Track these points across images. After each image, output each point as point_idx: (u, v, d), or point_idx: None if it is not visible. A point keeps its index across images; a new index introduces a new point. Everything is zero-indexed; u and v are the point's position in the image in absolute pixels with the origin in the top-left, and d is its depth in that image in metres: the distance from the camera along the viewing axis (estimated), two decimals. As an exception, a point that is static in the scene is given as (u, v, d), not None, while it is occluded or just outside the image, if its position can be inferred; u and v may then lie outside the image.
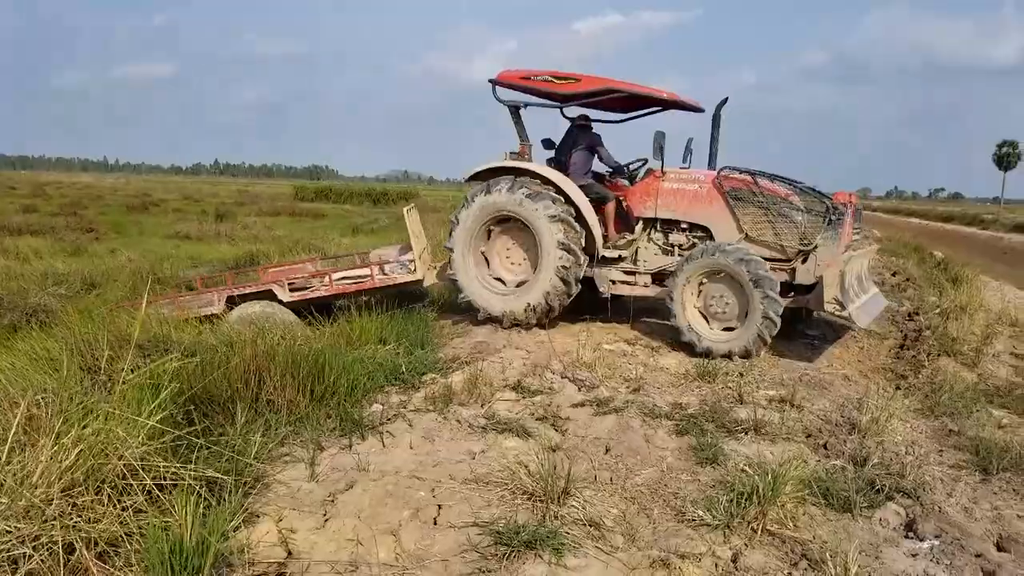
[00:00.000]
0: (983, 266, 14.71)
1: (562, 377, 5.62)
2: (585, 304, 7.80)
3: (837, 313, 6.64)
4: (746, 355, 6.56)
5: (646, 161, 7.93)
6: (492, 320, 7.49)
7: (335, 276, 7.77)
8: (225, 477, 3.33)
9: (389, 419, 4.78)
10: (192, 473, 3.20)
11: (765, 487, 3.54)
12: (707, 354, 6.61)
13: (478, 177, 7.71)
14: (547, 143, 8.21)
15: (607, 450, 4.42)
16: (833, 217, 6.95)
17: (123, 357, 5.53)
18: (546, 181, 7.36)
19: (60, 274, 10.26)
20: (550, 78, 7.42)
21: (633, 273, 7.63)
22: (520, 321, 7.38)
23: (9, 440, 2.82)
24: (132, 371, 3.83)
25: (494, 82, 7.66)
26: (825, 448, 4.58)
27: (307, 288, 7.77)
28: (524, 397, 5.22)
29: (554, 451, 4.36)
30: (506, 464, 4.00)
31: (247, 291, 7.52)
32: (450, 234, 7.69)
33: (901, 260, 15.07)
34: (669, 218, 7.51)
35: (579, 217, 7.30)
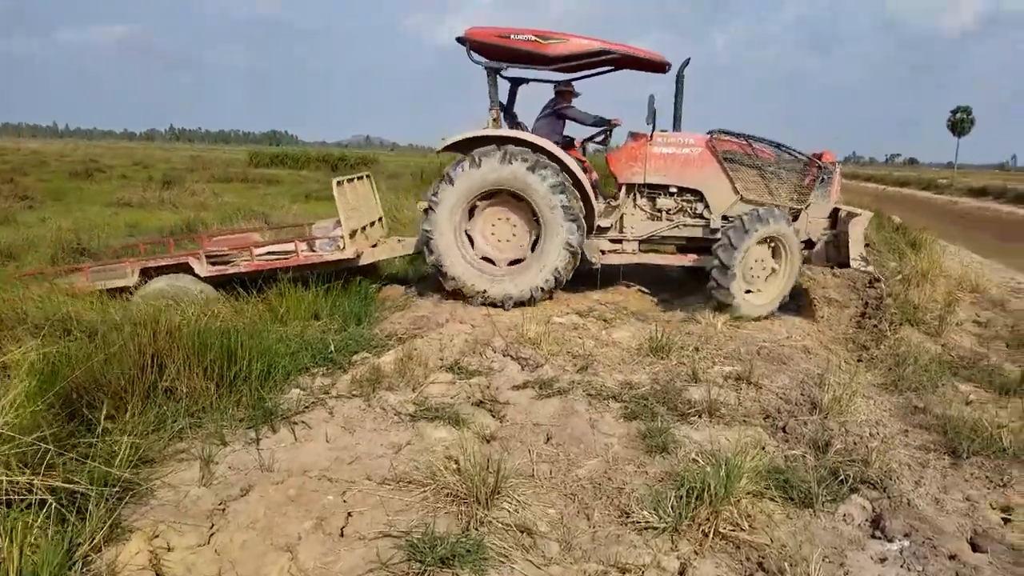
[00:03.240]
0: (940, 230, 14.56)
1: (504, 355, 5.18)
2: None
3: (861, 269, 6.99)
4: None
5: (615, 124, 7.48)
6: (489, 305, 6.86)
7: (258, 251, 7.13)
8: (88, 488, 2.82)
9: (307, 407, 4.31)
10: (45, 484, 2.71)
11: (718, 483, 3.16)
12: (753, 318, 6.82)
13: (455, 147, 7.10)
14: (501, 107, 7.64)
15: (548, 438, 4.01)
16: (825, 176, 7.26)
17: (20, 338, 4.98)
18: (536, 149, 6.82)
19: (-24, 245, 9.53)
20: (533, 37, 6.79)
21: (620, 241, 7.37)
22: (525, 302, 6.89)
23: None
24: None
25: (464, 40, 6.88)
26: (784, 431, 4.22)
27: (227, 263, 7.17)
28: (461, 378, 4.78)
29: (488, 441, 3.95)
30: (433, 459, 3.58)
31: (163, 263, 6.90)
32: (426, 216, 6.88)
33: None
34: (658, 183, 7.28)
35: (577, 185, 6.91)
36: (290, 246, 7.16)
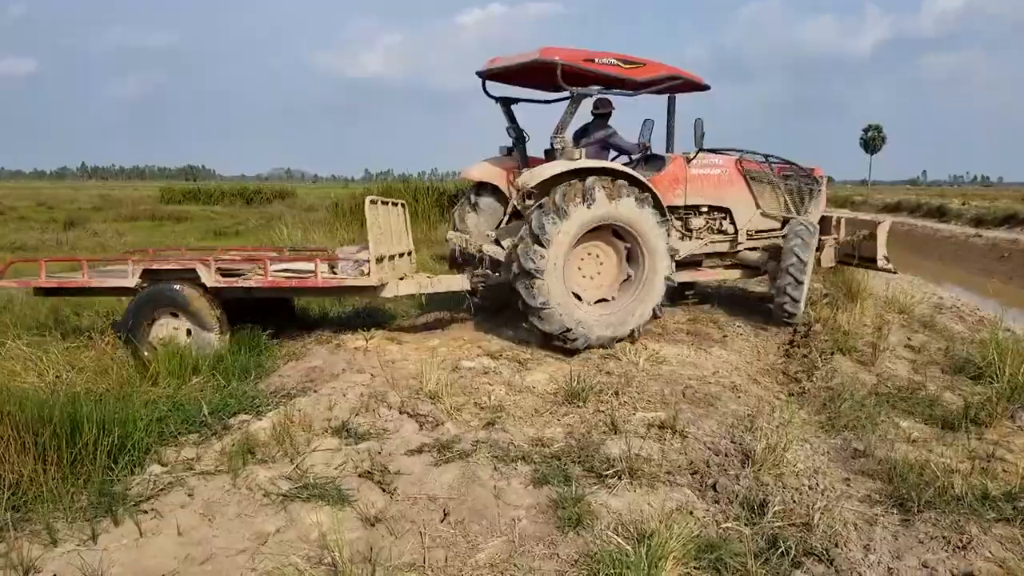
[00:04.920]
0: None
1: (400, 412, 4.56)
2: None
3: (884, 268, 7.93)
4: None
5: (647, 148, 7.71)
6: (588, 347, 6.27)
7: (273, 267, 6.26)
8: None
9: (162, 489, 3.63)
10: None
11: (638, 574, 2.63)
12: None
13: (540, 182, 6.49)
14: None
15: (445, 515, 3.43)
16: (817, 189, 8.08)
17: None
18: (634, 182, 6.46)
19: None
20: (616, 62, 6.52)
21: None
22: (621, 340, 6.46)
23: None
24: None
25: (554, 63, 6.21)
26: (715, 490, 3.73)
27: (238, 275, 6.29)
28: (349, 444, 4.13)
29: (373, 524, 3.33)
30: (302, 555, 2.96)
31: (167, 267, 6.10)
32: (531, 253, 6.06)
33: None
34: (695, 204, 7.52)
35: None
36: (309, 265, 6.35)
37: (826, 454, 4.32)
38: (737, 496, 3.63)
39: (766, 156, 7.93)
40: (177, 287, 5.95)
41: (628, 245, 6.57)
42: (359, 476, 3.77)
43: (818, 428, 4.78)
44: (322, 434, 4.25)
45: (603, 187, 6.21)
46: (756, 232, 7.80)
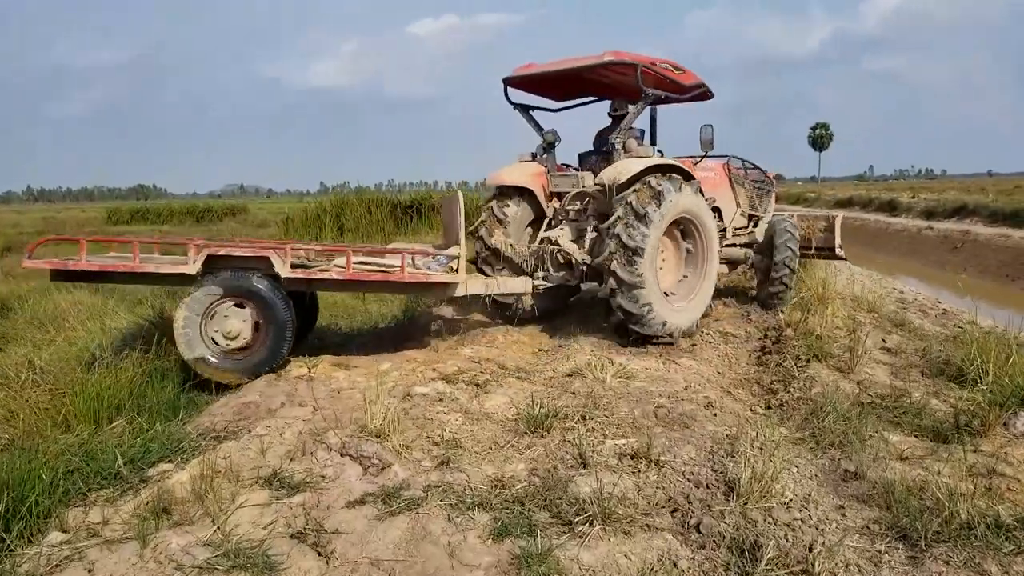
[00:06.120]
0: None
1: (342, 455, 4.03)
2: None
3: (839, 256, 8.86)
4: None
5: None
6: (666, 334, 6.51)
7: (355, 259, 5.83)
8: None
9: (58, 564, 3.08)
10: None
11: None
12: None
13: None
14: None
15: (390, 582, 2.94)
16: (772, 189, 9.08)
17: None
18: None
19: None
20: (670, 67, 6.92)
21: None
22: (688, 334, 6.85)
23: None
24: None
25: (625, 64, 6.53)
26: (699, 531, 3.29)
27: (313, 266, 5.82)
28: (281, 496, 3.60)
29: (304, 600, 2.83)
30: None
31: (236, 253, 5.49)
32: (634, 233, 6.17)
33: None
34: None
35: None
36: (392, 260, 5.92)
37: (814, 477, 3.92)
38: (724, 538, 3.20)
39: (742, 160, 8.68)
40: (253, 277, 5.39)
41: (688, 245, 6.96)
42: (291, 537, 3.25)
43: (800, 444, 4.38)
44: (251, 486, 3.71)
45: (682, 180, 6.54)
46: (736, 230, 8.35)
